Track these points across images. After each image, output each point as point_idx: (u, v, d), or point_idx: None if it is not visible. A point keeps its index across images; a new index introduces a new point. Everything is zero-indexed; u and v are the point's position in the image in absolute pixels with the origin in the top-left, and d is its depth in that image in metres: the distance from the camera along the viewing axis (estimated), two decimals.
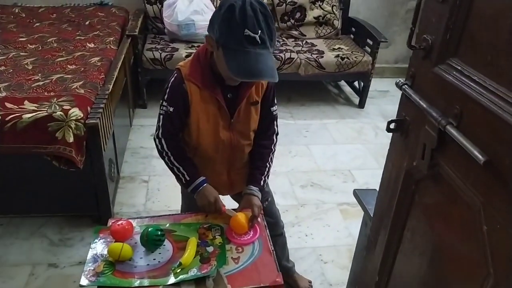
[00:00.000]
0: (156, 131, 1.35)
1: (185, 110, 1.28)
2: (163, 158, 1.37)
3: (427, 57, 0.89)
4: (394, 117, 1.00)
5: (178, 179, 1.38)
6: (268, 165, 1.42)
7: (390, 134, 1.03)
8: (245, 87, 1.28)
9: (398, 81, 0.96)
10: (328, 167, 2.72)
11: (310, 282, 1.82)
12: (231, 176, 1.43)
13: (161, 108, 1.31)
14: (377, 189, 1.47)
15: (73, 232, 2.04)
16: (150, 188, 2.38)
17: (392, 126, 0.98)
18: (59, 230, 2.05)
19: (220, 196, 1.39)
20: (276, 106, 1.40)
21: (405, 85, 0.94)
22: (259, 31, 1.10)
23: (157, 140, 1.35)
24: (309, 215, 2.28)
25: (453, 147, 0.79)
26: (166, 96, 1.29)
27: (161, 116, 1.31)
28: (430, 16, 0.89)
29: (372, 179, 2.62)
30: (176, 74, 1.28)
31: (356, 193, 1.42)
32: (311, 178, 2.60)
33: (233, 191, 1.50)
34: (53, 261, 1.88)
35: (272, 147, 1.43)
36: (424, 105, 0.87)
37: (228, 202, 1.55)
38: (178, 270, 1.17)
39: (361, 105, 3.55)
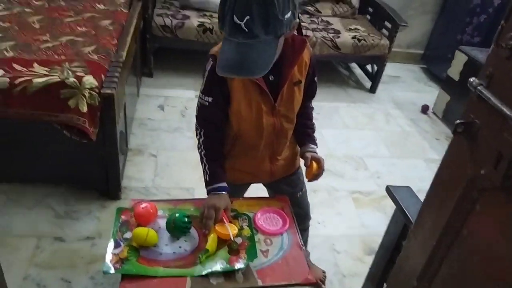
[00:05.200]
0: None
1: (225, 99, 1.19)
2: (198, 151, 1.28)
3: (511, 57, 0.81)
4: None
5: (204, 174, 1.29)
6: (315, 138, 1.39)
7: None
8: (287, 67, 1.18)
9: (472, 80, 0.87)
10: (340, 153, 2.66)
11: (324, 272, 1.78)
12: (273, 162, 1.35)
13: (199, 98, 1.23)
14: (409, 186, 1.44)
15: (79, 205, 1.95)
16: (159, 163, 2.29)
17: (460, 129, 0.90)
18: (64, 201, 1.96)
19: (253, 185, 1.36)
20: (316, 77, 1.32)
21: (481, 86, 0.86)
22: (246, 17, 0.95)
23: (197, 131, 1.27)
24: (321, 201, 2.23)
25: None
26: (203, 87, 1.20)
27: (197, 107, 1.24)
28: None
29: (383, 167, 2.58)
30: (212, 62, 1.15)
31: (390, 189, 1.36)
32: None
33: (273, 178, 1.41)
34: (59, 235, 1.80)
35: (314, 127, 1.40)
36: (506, 110, 0.79)
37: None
38: (204, 258, 1.11)
39: (373, 90, 3.46)
